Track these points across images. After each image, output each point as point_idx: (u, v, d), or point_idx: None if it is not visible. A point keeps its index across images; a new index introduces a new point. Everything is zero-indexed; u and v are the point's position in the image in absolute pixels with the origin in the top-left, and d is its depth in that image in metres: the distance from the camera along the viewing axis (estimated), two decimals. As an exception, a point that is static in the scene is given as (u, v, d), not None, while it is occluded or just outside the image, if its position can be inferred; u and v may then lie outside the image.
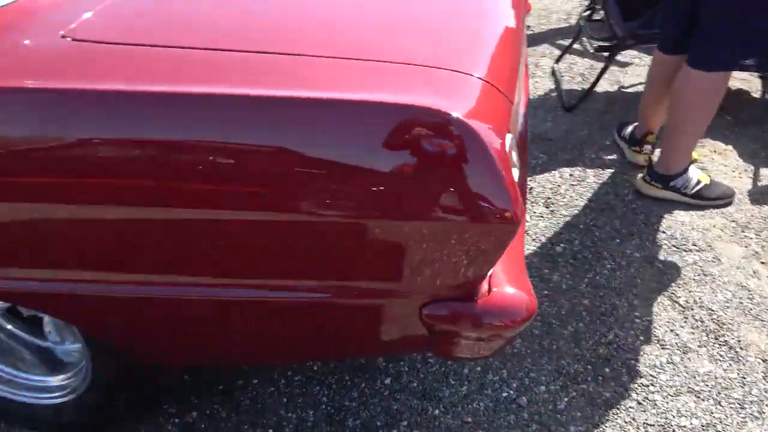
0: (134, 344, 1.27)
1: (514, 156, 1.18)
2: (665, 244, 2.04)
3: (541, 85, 3.07)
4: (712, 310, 1.80)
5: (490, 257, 1.06)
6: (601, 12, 2.74)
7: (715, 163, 2.46)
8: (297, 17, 1.18)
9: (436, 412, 1.56)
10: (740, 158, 2.48)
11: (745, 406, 1.55)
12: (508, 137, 1.09)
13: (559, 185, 2.34)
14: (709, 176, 2.27)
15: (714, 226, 2.12)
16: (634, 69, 3.18)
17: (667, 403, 1.56)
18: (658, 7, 2.48)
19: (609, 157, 2.50)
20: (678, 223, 2.13)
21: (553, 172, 2.41)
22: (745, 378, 1.61)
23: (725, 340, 1.71)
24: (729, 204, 2.22)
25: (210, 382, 1.64)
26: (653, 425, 1.51)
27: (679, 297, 1.85)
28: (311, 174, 0.96)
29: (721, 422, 1.51)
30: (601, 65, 2.90)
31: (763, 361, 1.66)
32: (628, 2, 2.67)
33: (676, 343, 1.71)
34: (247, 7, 1.20)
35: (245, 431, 1.52)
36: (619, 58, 3.25)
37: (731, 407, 1.55)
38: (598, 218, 2.17)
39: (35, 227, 1.03)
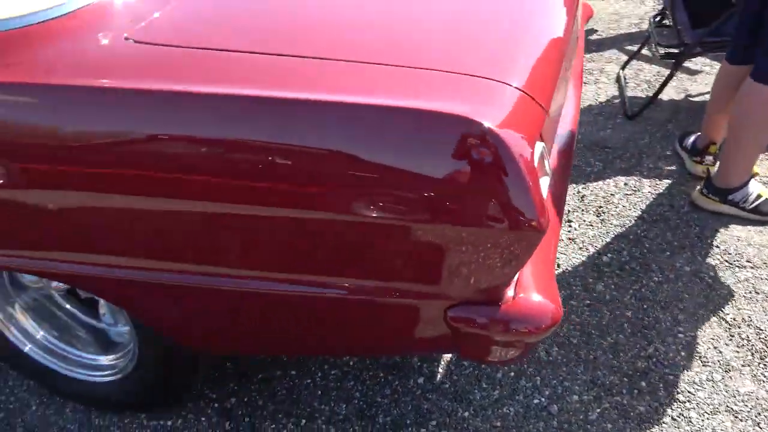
0: (176, 330, 1.34)
1: (546, 164, 1.19)
2: (718, 259, 1.98)
3: (604, 91, 3.02)
4: (761, 330, 1.74)
5: (514, 264, 1.08)
6: (671, 18, 2.67)
7: (781, 177, 2.37)
8: (340, 22, 1.22)
9: (466, 414, 1.58)
10: (810, 173, 2.38)
11: (789, 431, 1.50)
12: (539, 146, 1.10)
13: (612, 194, 2.30)
14: (772, 191, 2.19)
15: (773, 243, 2.04)
16: (704, 77, 3.08)
17: (703, 421, 1.52)
18: (728, 15, 2.40)
19: (668, 167, 2.43)
20: (733, 238, 2.06)
21: (607, 180, 2.38)
22: (791, 402, 1.56)
23: (773, 362, 1.66)
24: (790, 221, 2.13)
25: (250, 370, 1.71)
26: (687, 443, 1.48)
27: (727, 314, 1.79)
28: (340, 175, 1.00)
29: (760, 445, 1.47)
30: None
31: (813, 385, 1.60)
32: (699, 9, 2.60)
33: (719, 361, 1.66)
34: (295, 11, 1.25)
35: (279, 420, 1.59)
36: (689, 65, 3.16)
37: (773, 431, 1.50)
38: (650, 229, 2.12)
39: (92, 215, 1.12)
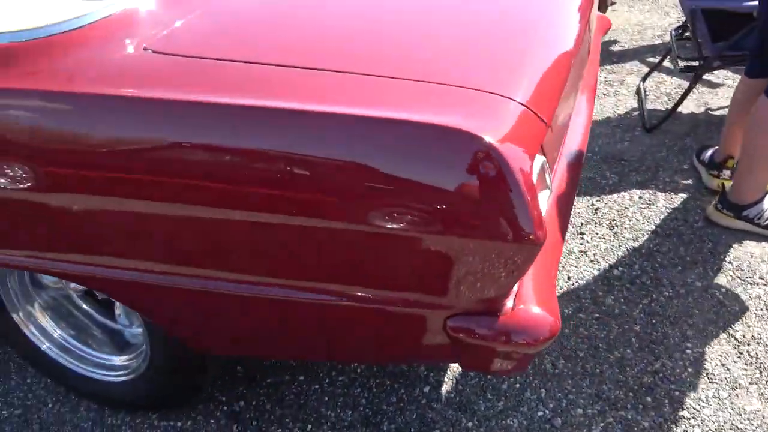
0: (184, 331, 1.38)
1: (547, 178, 1.21)
2: (730, 275, 1.97)
3: (623, 103, 3.01)
4: (771, 348, 1.73)
5: (511, 276, 1.09)
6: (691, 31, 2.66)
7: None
8: (352, 36, 1.25)
9: (470, 424, 1.59)
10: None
11: (795, 450, 1.49)
12: (539, 159, 1.12)
13: (626, 207, 2.30)
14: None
15: (789, 260, 2.02)
16: (726, 91, 3.05)
17: (707, 438, 1.52)
18: (748, 30, 2.39)
19: (684, 181, 2.42)
20: (747, 255, 2.05)
21: (622, 193, 2.37)
22: (799, 421, 1.55)
23: (783, 380, 1.64)
24: (807, 238, 2.11)
25: (259, 375, 1.74)
26: (691, 460, 1.48)
27: (737, 331, 1.78)
28: (340, 185, 1.03)
29: (765, 464, 1.46)
30: (690, 85, 2.81)
31: (823, 405, 1.58)
32: (719, 22, 2.58)
33: (726, 378, 1.65)
34: (308, 24, 1.28)
35: (286, 424, 1.62)
36: (710, 79, 3.14)
37: (779, 450, 1.49)
38: (663, 244, 2.12)
39: (107, 219, 1.16)
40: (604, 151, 2.63)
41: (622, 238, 2.15)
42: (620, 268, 2.03)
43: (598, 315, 1.87)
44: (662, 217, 2.24)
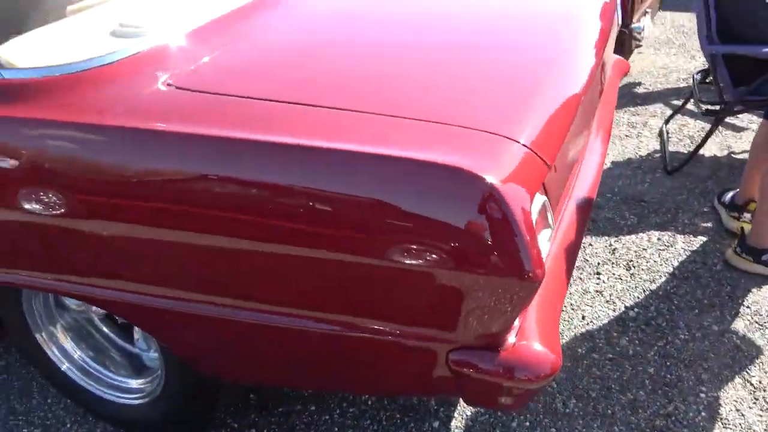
0: (196, 358, 1.42)
1: (549, 217, 1.23)
2: (748, 319, 1.95)
3: (645, 145, 3.02)
4: (786, 394, 1.70)
5: (510, 312, 1.11)
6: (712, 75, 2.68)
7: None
8: (365, 76, 1.31)
9: (477, 460, 1.59)
10: None
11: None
12: (540, 199, 1.15)
13: (644, 248, 2.29)
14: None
15: (809, 306, 1.99)
16: (749, 135, 3.05)
17: (717, 484, 1.49)
18: (769, 74, 2.40)
19: (704, 224, 2.41)
20: (765, 300, 2.02)
21: (640, 234, 2.37)
22: (814, 471, 1.51)
23: (799, 428, 1.61)
24: (830, 284, 2.08)
25: (271, 403, 1.77)
26: (701, 506, 1.46)
27: (753, 376, 1.76)
28: (331, 219, 1.08)
29: None
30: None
31: (840, 456, 1.54)
32: (741, 67, 2.59)
33: (740, 424, 1.63)
34: (325, 64, 1.34)
35: (295, 452, 1.64)
36: (734, 122, 3.14)
37: (793, 500, 1.46)
38: (680, 286, 2.10)
39: (128, 246, 1.22)
40: (624, 192, 2.63)
41: (639, 279, 2.14)
42: (636, 310, 2.02)
43: (611, 356, 1.86)
44: (680, 259, 2.23)
